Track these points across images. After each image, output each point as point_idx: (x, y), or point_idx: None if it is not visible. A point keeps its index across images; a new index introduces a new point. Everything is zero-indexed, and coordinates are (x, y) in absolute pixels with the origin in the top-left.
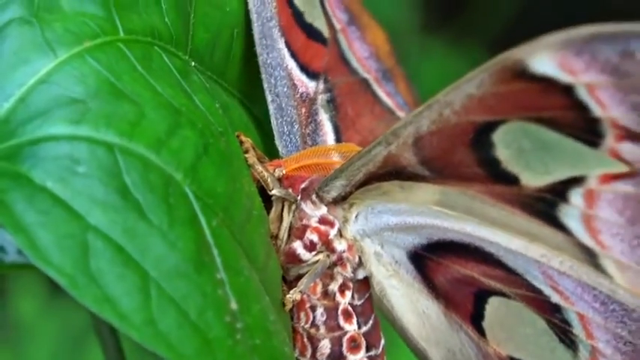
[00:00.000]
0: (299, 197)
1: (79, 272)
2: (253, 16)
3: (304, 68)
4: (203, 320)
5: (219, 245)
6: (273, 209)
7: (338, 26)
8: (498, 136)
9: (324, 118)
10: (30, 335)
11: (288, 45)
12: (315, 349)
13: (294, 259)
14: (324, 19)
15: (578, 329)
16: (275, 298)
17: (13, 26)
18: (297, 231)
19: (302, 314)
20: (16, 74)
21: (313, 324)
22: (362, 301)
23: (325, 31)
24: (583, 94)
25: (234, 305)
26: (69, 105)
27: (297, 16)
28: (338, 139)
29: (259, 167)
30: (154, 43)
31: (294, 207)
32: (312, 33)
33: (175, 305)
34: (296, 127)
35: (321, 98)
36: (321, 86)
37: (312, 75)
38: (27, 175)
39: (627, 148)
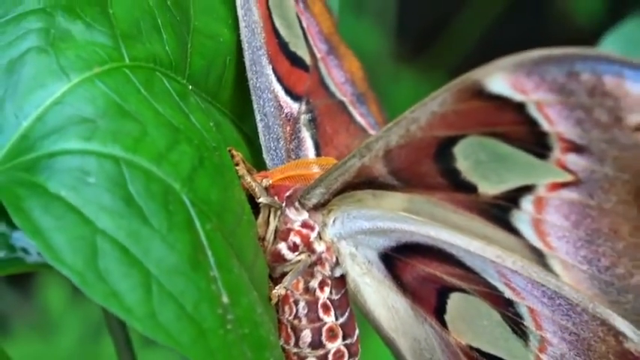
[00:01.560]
0: (284, 204)
1: (88, 271)
2: (245, 45)
3: (289, 91)
4: (198, 312)
5: (212, 247)
6: (261, 215)
7: (318, 55)
8: (459, 149)
9: (306, 135)
10: (57, 324)
11: (274, 71)
12: (297, 338)
13: (279, 258)
14: (307, 49)
15: (528, 321)
16: (262, 293)
17: (31, 54)
18: (282, 234)
19: (286, 307)
20: (33, 96)
21: (296, 316)
22: (339, 296)
23: (307, 59)
24: (533, 111)
25: (225, 299)
26: (80, 123)
27: (283, 45)
28: (318, 154)
29: (248, 178)
30: (155, 69)
31: (279, 213)
32: (295, 61)
33: (174, 299)
34: (281, 143)
35: (304, 118)
36: (304, 107)
37: (295, 97)
38: (43, 185)
39: (572, 159)
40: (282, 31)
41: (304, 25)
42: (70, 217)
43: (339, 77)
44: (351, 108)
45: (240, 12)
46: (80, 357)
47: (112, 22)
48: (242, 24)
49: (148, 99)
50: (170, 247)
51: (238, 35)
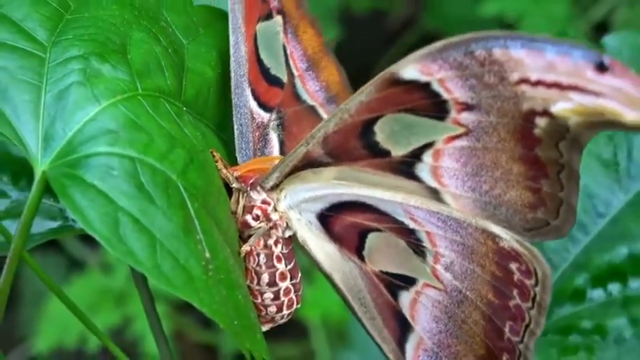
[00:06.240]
0: (249, 188)
1: (112, 236)
2: (232, 74)
3: (262, 105)
4: (188, 264)
5: (198, 218)
6: (233, 196)
7: (296, 73)
8: (378, 126)
9: (273, 136)
10: (114, 265)
11: (253, 91)
12: (259, 279)
13: (246, 226)
14: (286, 71)
15: (426, 242)
16: (234, 250)
17: (74, 86)
18: (248, 209)
19: (251, 258)
20: (75, 115)
21: (258, 264)
22: (288, 250)
23: (284, 78)
24: (436, 87)
25: (207, 255)
26: (107, 134)
27: (265, 71)
28: (282, 149)
29: (224, 171)
30: (160, 97)
31: (245, 194)
32: (273, 81)
33: (171, 255)
34: (250, 145)
35: (273, 124)
36: (274, 116)
37: (268, 109)
38: (82, 177)
39: (464, 116)
40: (266, 60)
41: (288, 51)
42: (100, 199)
43: (314, 87)
44: (320, 110)
45: (231, 50)
46: (128, 288)
47: (129, 64)
48: (232, 58)
49: (154, 117)
50: (169, 220)
51: (218, 72)
